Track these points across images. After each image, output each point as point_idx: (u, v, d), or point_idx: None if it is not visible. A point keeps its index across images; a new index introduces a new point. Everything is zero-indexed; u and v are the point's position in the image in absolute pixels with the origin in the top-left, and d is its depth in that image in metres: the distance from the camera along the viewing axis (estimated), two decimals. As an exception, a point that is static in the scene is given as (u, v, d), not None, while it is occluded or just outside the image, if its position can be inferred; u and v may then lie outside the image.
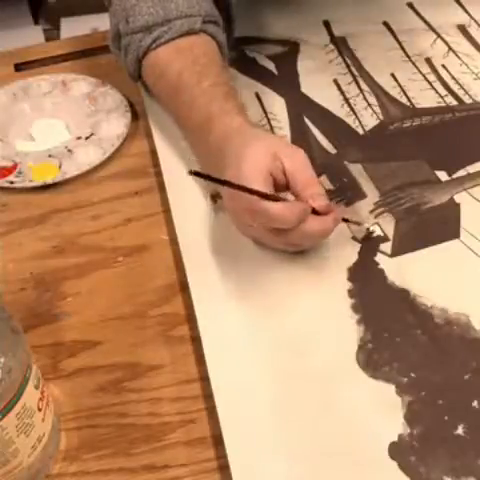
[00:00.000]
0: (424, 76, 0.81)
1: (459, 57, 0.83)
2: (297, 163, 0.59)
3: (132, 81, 0.77)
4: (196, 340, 0.57)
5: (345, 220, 0.63)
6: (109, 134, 0.77)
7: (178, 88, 0.69)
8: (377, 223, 0.64)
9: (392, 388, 0.53)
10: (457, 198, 0.66)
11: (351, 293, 0.59)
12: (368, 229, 0.63)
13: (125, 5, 0.72)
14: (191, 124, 0.67)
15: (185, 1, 0.71)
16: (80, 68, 0.87)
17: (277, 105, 0.78)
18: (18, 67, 0.90)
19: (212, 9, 0.73)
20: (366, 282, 0.60)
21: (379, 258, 0.62)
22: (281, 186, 0.59)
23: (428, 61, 0.83)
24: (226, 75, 0.71)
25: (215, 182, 0.56)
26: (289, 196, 0.59)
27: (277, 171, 0.58)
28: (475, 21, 0.88)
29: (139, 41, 0.71)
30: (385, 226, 0.64)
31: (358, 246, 0.63)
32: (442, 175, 0.69)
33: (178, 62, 0.70)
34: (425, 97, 0.78)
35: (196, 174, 0.54)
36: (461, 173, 0.69)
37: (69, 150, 0.76)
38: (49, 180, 0.73)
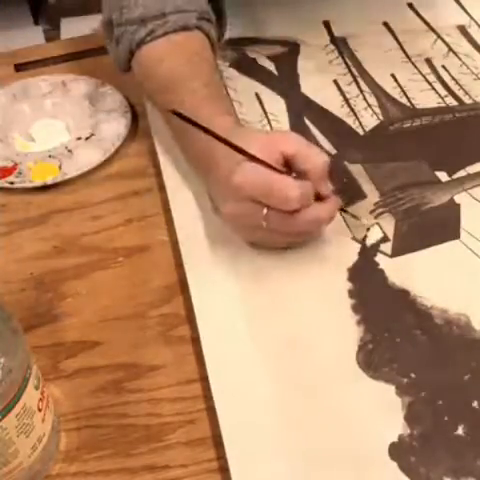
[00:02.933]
0: (424, 76, 0.81)
1: (459, 58, 0.83)
2: (296, 143, 0.59)
3: (129, 79, 0.75)
4: (196, 340, 0.57)
5: (343, 210, 0.63)
6: (109, 134, 0.77)
7: (168, 84, 0.68)
8: (377, 223, 0.64)
9: (392, 389, 0.53)
10: (457, 198, 0.66)
11: (351, 293, 0.59)
12: (367, 230, 0.63)
13: None
14: (180, 122, 0.67)
15: None
16: (80, 69, 0.87)
17: (277, 105, 0.78)
18: (18, 67, 0.90)
19: (206, 6, 0.73)
20: (366, 282, 0.60)
21: (379, 258, 0.62)
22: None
23: (428, 61, 0.83)
24: (217, 75, 0.70)
25: (197, 127, 0.55)
26: None
27: (274, 161, 0.57)
28: (475, 22, 0.88)
29: (132, 33, 0.70)
30: (385, 226, 0.64)
31: (358, 246, 0.63)
32: (442, 175, 0.69)
33: (171, 58, 0.69)
34: (425, 97, 0.78)
35: (178, 115, 0.54)
36: (461, 173, 0.69)
37: (69, 150, 0.76)
38: (49, 180, 0.73)
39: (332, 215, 0.60)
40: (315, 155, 0.59)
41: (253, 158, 0.56)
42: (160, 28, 0.70)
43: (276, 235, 0.60)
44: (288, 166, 0.58)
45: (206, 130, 0.55)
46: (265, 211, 0.57)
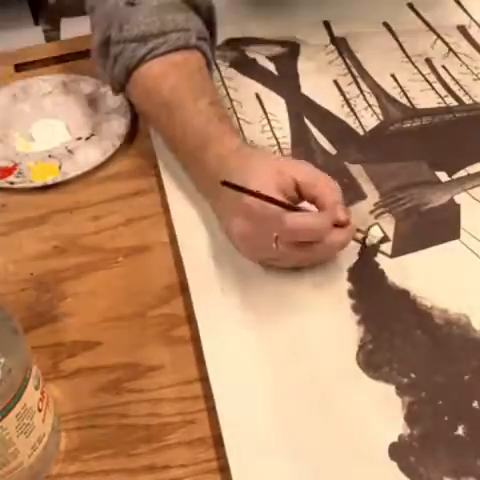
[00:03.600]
0: (424, 77, 0.81)
1: (459, 58, 0.83)
2: (309, 173, 0.58)
3: (111, 88, 0.73)
4: (196, 341, 0.57)
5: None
6: (109, 135, 0.77)
7: (171, 104, 0.66)
8: (377, 223, 0.64)
9: (392, 389, 0.53)
10: (457, 199, 0.66)
11: (351, 293, 0.59)
12: (367, 230, 0.63)
13: (120, 12, 0.69)
14: (185, 143, 0.65)
15: (181, 15, 0.70)
16: (80, 69, 0.87)
17: (277, 106, 0.78)
18: (18, 68, 0.90)
19: (202, 26, 0.72)
20: (366, 282, 0.60)
21: (379, 258, 0.62)
22: (292, 201, 0.57)
23: (428, 62, 0.83)
24: (218, 94, 0.70)
25: (246, 193, 0.54)
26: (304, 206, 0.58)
27: (286, 186, 0.57)
28: (475, 22, 0.88)
29: (132, 51, 0.68)
30: (385, 226, 0.64)
31: (358, 246, 0.63)
32: (442, 176, 0.69)
33: (173, 76, 0.67)
34: (425, 98, 0.78)
35: (227, 185, 0.53)
36: (461, 174, 0.69)
37: (69, 151, 0.76)
38: (49, 181, 0.73)
39: (346, 242, 0.58)
40: (326, 181, 0.58)
41: (272, 201, 0.55)
42: (161, 46, 0.68)
43: (286, 260, 0.59)
44: (299, 193, 0.58)
45: (254, 194, 0.54)
46: (275, 234, 0.56)
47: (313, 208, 0.58)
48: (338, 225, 0.57)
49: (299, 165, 0.59)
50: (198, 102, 0.65)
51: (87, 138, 0.77)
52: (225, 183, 0.54)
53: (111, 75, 0.71)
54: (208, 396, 0.54)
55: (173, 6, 0.70)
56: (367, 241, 0.63)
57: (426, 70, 0.81)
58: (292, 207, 0.55)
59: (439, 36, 0.86)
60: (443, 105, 0.77)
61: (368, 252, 0.62)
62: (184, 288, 0.61)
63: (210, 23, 0.75)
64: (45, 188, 0.73)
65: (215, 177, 0.59)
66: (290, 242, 0.56)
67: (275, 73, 0.83)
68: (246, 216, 0.57)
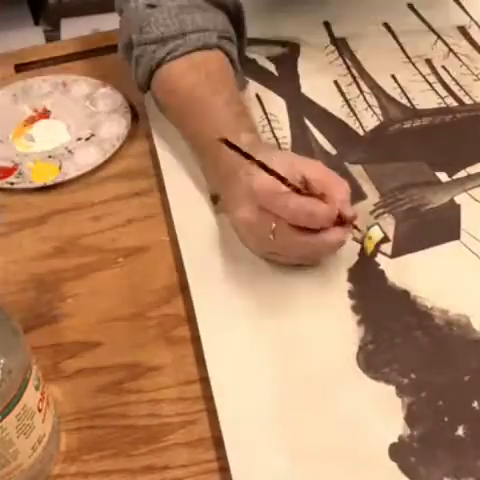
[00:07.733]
0: (424, 77, 0.81)
1: (459, 58, 0.83)
2: (319, 170, 0.58)
3: (138, 89, 0.76)
4: (196, 341, 0.57)
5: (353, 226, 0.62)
6: (109, 135, 0.77)
7: (190, 103, 0.68)
8: (377, 224, 0.64)
9: (392, 389, 0.53)
10: (457, 199, 0.66)
11: (351, 294, 0.59)
12: (367, 230, 0.63)
13: (140, 15, 0.71)
14: (202, 140, 0.67)
15: (201, 15, 0.71)
16: (80, 69, 0.87)
17: (277, 106, 0.78)
18: (18, 68, 0.89)
19: (227, 25, 0.73)
20: (366, 283, 0.60)
21: (379, 259, 0.62)
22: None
23: (428, 62, 0.83)
24: (238, 93, 0.70)
25: (246, 157, 0.54)
26: None
27: (294, 180, 0.56)
28: (475, 22, 0.87)
29: (152, 52, 0.70)
30: (385, 227, 0.64)
31: (358, 247, 0.63)
32: (442, 176, 0.69)
33: (192, 76, 0.69)
34: (425, 98, 0.78)
35: (228, 144, 0.53)
36: (461, 174, 0.69)
37: (69, 151, 0.76)
38: (49, 181, 0.73)
39: (343, 241, 0.58)
40: (336, 181, 0.58)
41: (279, 178, 0.55)
42: (180, 47, 0.70)
43: (285, 253, 0.59)
44: (308, 190, 0.57)
45: (250, 157, 0.54)
46: (274, 225, 0.56)
47: None
48: (340, 224, 0.57)
49: (310, 162, 0.59)
50: (215, 100, 0.66)
51: (87, 138, 0.77)
52: (226, 142, 0.53)
53: (135, 77, 0.74)
54: (208, 396, 0.54)
55: (194, 6, 0.72)
56: (364, 249, 0.62)
57: (426, 71, 0.81)
58: (295, 187, 0.55)
59: (439, 37, 0.86)
60: (443, 105, 0.77)
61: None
62: (184, 288, 0.61)
63: (238, 21, 0.76)
64: (45, 188, 0.73)
65: (228, 172, 0.60)
66: (290, 229, 0.56)
67: (275, 73, 0.83)
68: (252, 202, 0.57)
